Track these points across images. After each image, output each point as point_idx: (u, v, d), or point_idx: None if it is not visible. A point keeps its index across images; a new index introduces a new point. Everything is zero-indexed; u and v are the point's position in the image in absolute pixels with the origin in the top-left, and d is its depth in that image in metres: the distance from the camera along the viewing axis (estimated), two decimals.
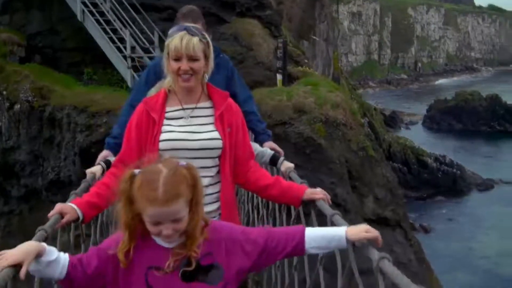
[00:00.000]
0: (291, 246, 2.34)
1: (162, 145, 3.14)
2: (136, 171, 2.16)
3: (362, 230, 2.32)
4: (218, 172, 3.21)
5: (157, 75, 4.92)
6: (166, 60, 3.17)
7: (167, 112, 3.21)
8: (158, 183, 2.07)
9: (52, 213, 3.02)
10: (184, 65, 3.08)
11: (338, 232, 2.36)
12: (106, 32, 14.62)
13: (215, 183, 3.19)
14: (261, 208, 5.23)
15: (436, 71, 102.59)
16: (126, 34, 14.37)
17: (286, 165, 4.24)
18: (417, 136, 45.33)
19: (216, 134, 3.18)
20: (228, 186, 3.25)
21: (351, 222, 2.58)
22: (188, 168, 2.18)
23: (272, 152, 4.43)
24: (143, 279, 2.20)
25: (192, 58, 3.07)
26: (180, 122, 3.22)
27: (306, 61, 15.79)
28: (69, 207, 3.05)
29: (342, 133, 11.75)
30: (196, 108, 3.23)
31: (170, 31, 3.37)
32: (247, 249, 2.30)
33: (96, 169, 4.35)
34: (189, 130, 3.19)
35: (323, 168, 11.23)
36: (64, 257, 2.22)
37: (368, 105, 38.95)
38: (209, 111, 3.24)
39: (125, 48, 14.31)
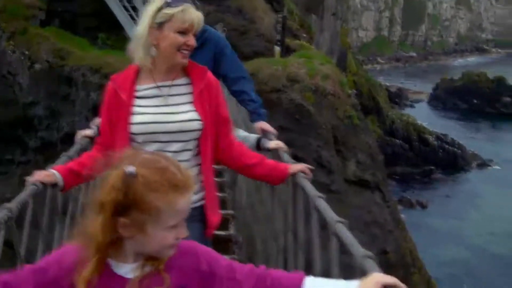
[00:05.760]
0: None
1: (134, 129, 2.84)
2: (130, 168, 1.61)
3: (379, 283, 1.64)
4: (195, 155, 2.93)
5: None
6: (154, 31, 2.80)
7: (137, 91, 2.89)
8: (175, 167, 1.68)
9: (31, 180, 2.91)
10: (192, 40, 2.81)
11: None
12: (120, 0, 15.56)
13: (192, 167, 2.88)
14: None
15: (446, 50, 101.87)
16: (138, 2, 15.27)
17: (275, 143, 3.67)
18: (421, 114, 45.15)
19: (195, 115, 2.87)
20: (209, 171, 2.98)
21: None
22: None
23: (256, 136, 3.87)
24: None
25: (194, 34, 2.83)
26: (154, 101, 2.88)
27: (304, 35, 16.83)
28: (49, 172, 2.93)
29: (330, 102, 12.87)
30: (172, 85, 2.90)
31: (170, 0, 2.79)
32: None
33: (89, 132, 4.05)
34: (165, 111, 2.87)
35: (311, 132, 12.24)
36: None
37: (373, 80, 39.52)
38: (186, 89, 2.92)
39: (137, 16, 15.39)
